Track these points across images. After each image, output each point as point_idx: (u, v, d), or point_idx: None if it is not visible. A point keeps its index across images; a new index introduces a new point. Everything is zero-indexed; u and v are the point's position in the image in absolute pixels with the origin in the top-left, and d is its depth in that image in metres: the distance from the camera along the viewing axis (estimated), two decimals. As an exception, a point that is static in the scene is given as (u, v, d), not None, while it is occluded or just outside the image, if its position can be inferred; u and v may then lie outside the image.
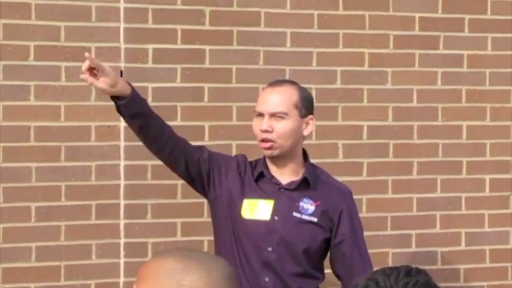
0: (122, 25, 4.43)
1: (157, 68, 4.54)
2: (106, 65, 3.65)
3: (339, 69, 4.61)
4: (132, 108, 3.71)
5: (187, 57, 4.46)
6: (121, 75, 4.20)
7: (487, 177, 4.76)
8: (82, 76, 3.62)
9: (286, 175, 3.90)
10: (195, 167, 3.87)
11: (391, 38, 4.70)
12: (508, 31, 4.83)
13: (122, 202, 4.24)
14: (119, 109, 3.71)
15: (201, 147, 3.98)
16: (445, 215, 4.72)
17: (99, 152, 4.18)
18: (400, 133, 4.76)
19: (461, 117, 4.85)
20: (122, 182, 4.22)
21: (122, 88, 3.69)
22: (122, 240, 4.19)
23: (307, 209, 3.86)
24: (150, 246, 4.26)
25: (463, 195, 4.76)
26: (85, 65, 3.60)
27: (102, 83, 3.59)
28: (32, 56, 4.10)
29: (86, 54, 3.63)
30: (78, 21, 4.15)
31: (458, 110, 4.78)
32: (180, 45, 4.43)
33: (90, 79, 3.58)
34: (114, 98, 3.69)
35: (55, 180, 4.11)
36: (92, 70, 3.61)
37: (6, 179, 4.04)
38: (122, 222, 4.18)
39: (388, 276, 1.64)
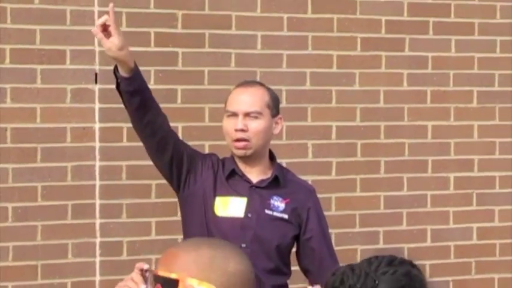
0: (96, 28, 4.48)
1: (131, 70, 4.55)
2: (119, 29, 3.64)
3: (308, 71, 4.71)
4: (134, 83, 3.70)
5: (161, 60, 4.55)
6: (95, 79, 4.29)
7: (452, 175, 4.89)
8: (93, 30, 3.61)
9: (255, 174, 3.91)
10: (178, 160, 3.87)
11: (359, 40, 4.81)
12: (471, 33, 4.97)
13: (98, 202, 4.31)
14: (119, 87, 3.67)
15: (185, 143, 3.98)
16: (412, 213, 4.84)
17: (75, 153, 4.24)
18: (367, 133, 4.86)
19: (426, 117, 4.96)
20: (98, 182, 4.29)
21: (127, 56, 3.68)
22: (98, 240, 4.26)
23: (278, 207, 3.89)
24: (125, 245, 4.34)
25: (429, 193, 4.89)
26: (101, 20, 3.60)
27: (110, 42, 3.58)
28: (8, 59, 4.17)
29: (111, 6, 3.62)
30: (53, 25, 4.23)
31: (424, 110, 4.90)
32: (153, 48, 4.53)
33: (100, 35, 3.56)
34: (117, 72, 3.65)
35: (31, 181, 4.17)
36: (105, 28, 3.60)
37: (-17, 179, 4.05)
38: (98, 221, 4.26)
39: (370, 264, 1.71)
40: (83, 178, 4.35)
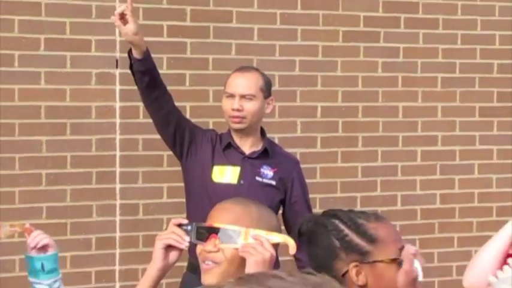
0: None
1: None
2: (135, 17, 3.96)
3: (297, 59, 5.08)
4: (146, 64, 4.01)
5: (172, 48, 4.90)
6: (116, 64, 4.65)
7: (419, 149, 5.26)
8: (112, 17, 3.93)
9: (247, 146, 4.25)
10: (181, 133, 4.17)
11: (340, 33, 5.17)
12: (436, 28, 5.33)
13: (118, 170, 4.68)
14: (132, 67, 4.03)
15: (188, 119, 4.28)
16: (385, 181, 5.23)
17: (99, 128, 4.63)
18: (347, 112, 5.21)
19: (398, 99, 5.33)
20: (118, 153, 4.65)
21: (141, 41, 4.01)
22: (118, 202, 4.64)
23: (267, 174, 4.21)
24: (141, 207, 4.71)
25: (399, 164, 5.27)
26: (120, 9, 3.94)
27: (127, 28, 3.88)
28: (42, 47, 4.54)
29: (129, 1, 3.94)
30: (80, 18, 4.60)
31: (395, 93, 5.28)
32: (165, 38, 4.88)
33: (118, 22, 3.88)
34: (131, 55, 3.99)
35: (62, 151, 4.57)
36: (122, 17, 3.90)
37: (21, 150, 4.49)
38: (118, 186, 4.64)
39: (354, 214, 2.19)
40: (106, 149, 4.71)
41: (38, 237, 3.02)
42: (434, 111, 5.46)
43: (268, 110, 4.22)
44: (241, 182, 4.15)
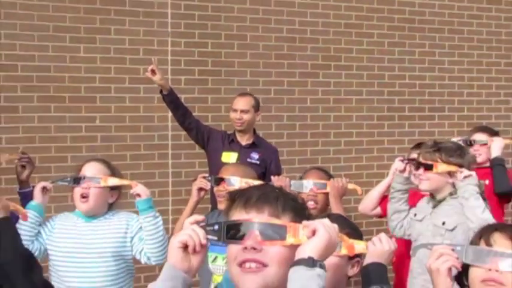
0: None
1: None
2: (160, 72, 5.26)
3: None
4: (171, 96, 5.30)
5: (200, 83, 6.55)
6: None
7: None
8: (146, 73, 5.23)
9: (244, 140, 5.50)
10: (200, 134, 5.50)
11: None
12: None
13: (170, 152, 6.38)
14: (164, 98, 5.30)
15: (205, 125, 5.58)
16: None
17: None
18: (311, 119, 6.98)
19: None
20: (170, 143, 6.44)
21: (166, 83, 5.26)
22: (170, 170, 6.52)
23: (254, 157, 5.44)
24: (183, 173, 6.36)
25: None
26: (150, 67, 5.21)
27: (155, 77, 5.15)
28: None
29: (153, 59, 5.29)
30: None
31: None
32: (195, 77, 6.64)
33: (150, 74, 5.18)
34: (161, 92, 5.27)
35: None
36: (152, 71, 5.17)
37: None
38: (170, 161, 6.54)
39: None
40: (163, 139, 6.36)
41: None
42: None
43: (257, 118, 5.61)
44: (238, 162, 5.27)
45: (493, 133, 5.71)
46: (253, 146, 5.55)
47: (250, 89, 6.61)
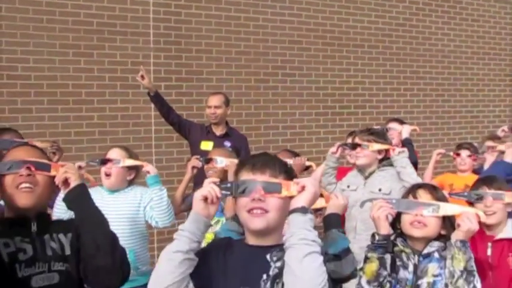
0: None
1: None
2: (148, 76, 5.21)
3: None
4: (157, 97, 5.26)
5: (177, 88, 6.68)
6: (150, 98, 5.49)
7: None
8: (137, 78, 5.19)
9: (218, 131, 5.38)
10: (182, 127, 5.42)
11: None
12: None
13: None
14: (151, 99, 5.25)
15: (186, 119, 5.45)
16: None
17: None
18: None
19: None
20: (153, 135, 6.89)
21: (152, 86, 5.21)
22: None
23: (228, 145, 5.16)
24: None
25: None
26: (140, 73, 5.18)
27: (144, 81, 5.16)
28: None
29: (141, 67, 5.17)
30: None
31: None
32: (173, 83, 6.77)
33: (139, 79, 5.16)
34: (148, 94, 5.20)
35: None
36: (142, 76, 5.15)
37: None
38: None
39: None
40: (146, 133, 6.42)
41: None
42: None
43: (228, 112, 5.53)
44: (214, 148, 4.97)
45: (402, 122, 5.76)
46: (226, 136, 5.46)
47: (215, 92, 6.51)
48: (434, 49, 8.53)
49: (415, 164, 5.18)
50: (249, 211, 2.03)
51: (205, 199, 2.03)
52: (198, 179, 4.15)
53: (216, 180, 2.09)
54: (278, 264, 2.00)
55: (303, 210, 1.96)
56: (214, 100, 5.45)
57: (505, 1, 9.09)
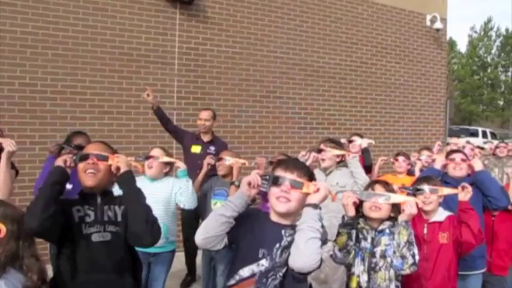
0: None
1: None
2: (153, 95, 4.91)
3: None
4: (159, 111, 5.03)
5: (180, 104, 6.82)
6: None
7: None
8: (144, 95, 4.93)
9: (206, 138, 5.12)
10: (178, 135, 5.17)
11: None
12: None
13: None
14: (155, 113, 4.96)
15: (181, 128, 5.18)
16: None
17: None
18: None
19: None
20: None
21: (156, 102, 4.98)
22: None
23: (212, 149, 5.00)
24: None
25: None
26: (146, 92, 4.93)
27: (150, 98, 4.90)
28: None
29: (147, 88, 4.90)
30: None
31: None
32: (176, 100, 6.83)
33: (146, 97, 4.89)
34: (152, 108, 4.95)
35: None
36: (147, 94, 4.93)
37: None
38: None
39: None
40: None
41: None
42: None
43: (215, 124, 5.30)
44: (201, 152, 4.96)
45: (362, 136, 5.60)
46: (211, 142, 5.25)
47: (222, 108, 6.75)
48: (389, 82, 8.48)
49: (370, 166, 5.43)
50: (277, 198, 2.09)
51: (249, 184, 2.11)
52: (211, 172, 4.21)
53: (260, 171, 2.15)
54: (289, 239, 2.07)
55: (315, 206, 2.03)
56: (205, 115, 5.29)
57: (441, 48, 9.03)
